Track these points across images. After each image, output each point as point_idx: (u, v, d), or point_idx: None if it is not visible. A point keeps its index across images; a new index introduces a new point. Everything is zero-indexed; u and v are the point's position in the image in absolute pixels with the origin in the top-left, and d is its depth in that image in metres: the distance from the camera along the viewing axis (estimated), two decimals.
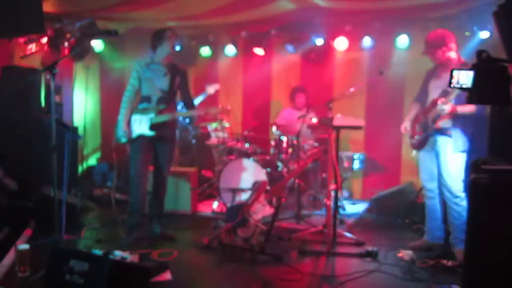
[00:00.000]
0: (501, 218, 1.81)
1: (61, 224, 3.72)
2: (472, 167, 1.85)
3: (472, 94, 1.67)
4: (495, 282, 1.87)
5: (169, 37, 4.32)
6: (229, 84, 7.68)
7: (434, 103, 3.87)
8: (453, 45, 3.92)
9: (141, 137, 4.25)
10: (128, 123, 4.29)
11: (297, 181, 5.40)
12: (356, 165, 6.17)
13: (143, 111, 4.31)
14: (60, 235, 3.61)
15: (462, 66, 3.81)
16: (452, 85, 1.63)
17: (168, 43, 4.32)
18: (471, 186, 1.85)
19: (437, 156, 3.99)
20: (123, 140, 4.26)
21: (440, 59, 3.93)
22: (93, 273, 2.80)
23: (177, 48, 4.41)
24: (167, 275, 3.42)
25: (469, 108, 3.71)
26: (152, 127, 4.24)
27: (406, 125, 4.24)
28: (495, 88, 1.52)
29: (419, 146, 4.13)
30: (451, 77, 1.67)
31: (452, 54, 3.93)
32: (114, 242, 4.19)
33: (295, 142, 5.52)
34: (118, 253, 3.62)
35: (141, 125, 4.27)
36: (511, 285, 1.83)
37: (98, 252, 3.77)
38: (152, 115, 4.27)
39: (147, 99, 4.34)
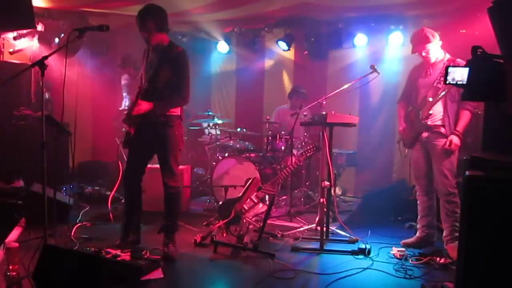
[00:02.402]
0: (496, 215, 1.80)
1: (52, 222, 3.67)
2: (467, 164, 1.84)
3: (467, 91, 1.66)
4: (489, 279, 1.86)
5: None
6: (222, 81, 7.66)
7: (425, 100, 3.88)
8: (438, 41, 3.94)
9: (129, 135, 3.70)
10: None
11: (290, 178, 5.39)
12: (349, 162, 6.17)
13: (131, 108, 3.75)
14: (50, 233, 3.57)
15: (450, 62, 3.83)
16: (447, 82, 1.62)
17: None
18: (465, 183, 1.83)
19: (429, 153, 3.99)
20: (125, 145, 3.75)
21: (429, 55, 3.93)
22: (84, 271, 2.76)
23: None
24: (158, 273, 3.38)
25: (466, 122, 3.79)
26: (132, 124, 3.67)
27: (403, 126, 4.22)
28: (490, 85, 1.51)
29: (412, 144, 4.13)
30: (446, 73, 1.65)
31: (439, 51, 3.95)
32: (106, 240, 4.15)
33: (288, 139, 5.50)
34: (109, 251, 3.59)
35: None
36: (505, 282, 1.83)
37: (89, 250, 3.74)
38: (129, 111, 3.72)
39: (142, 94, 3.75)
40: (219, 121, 5.99)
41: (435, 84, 3.83)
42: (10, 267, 3.21)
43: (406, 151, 4.30)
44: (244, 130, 6.15)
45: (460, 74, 1.58)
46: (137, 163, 3.92)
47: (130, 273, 3.03)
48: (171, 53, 3.74)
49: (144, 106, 3.64)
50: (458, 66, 1.63)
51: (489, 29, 2.00)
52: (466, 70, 1.52)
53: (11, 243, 3.31)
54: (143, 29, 3.68)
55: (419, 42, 3.95)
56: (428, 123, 3.90)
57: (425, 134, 3.98)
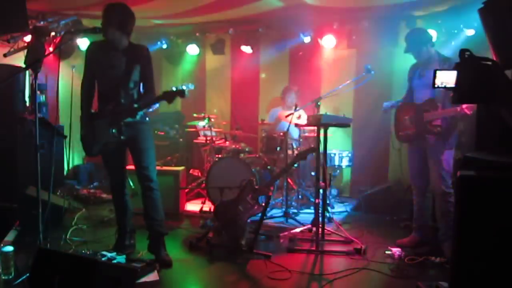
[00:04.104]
0: (488, 214, 1.81)
1: (46, 225, 3.66)
2: (460, 164, 1.86)
3: (456, 94, 1.67)
4: (483, 278, 1.87)
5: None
6: (217, 83, 7.66)
7: (432, 103, 3.85)
8: (434, 42, 3.97)
9: (106, 145, 3.67)
10: (93, 129, 3.69)
11: (285, 179, 5.39)
12: (344, 163, 6.18)
13: (101, 114, 3.66)
14: (45, 236, 3.56)
15: (444, 61, 3.84)
16: (435, 86, 1.63)
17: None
18: (458, 183, 1.85)
19: (425, 153, 4.00)
20: (93, 152, 3.73)
21: (424, 56, 3.96)
22: (79, 274, 2.75)
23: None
24: (154, 276, 3.38)
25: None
26: (114, 132, 3.60)
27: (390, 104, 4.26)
28: (479, 87, 1.51)
29: (407, 140, 4.13)
30: (434, 77, 1.66)
31: (433, 51, 3.98)
32: (101, 243, 4.14)
33: (283, 140, 5.50)
34: (105, 254, 3.58)
35: (103, 132, 3.64)
36: (499, 281, 1.84)
37: (84, 253, 3.73)
38: (109, 117, 3.61)
39: (105, 97, 3.68)
40: (214, 123, 5.99)
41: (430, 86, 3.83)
42: (5, 271, 3.21)
43: (399, 144, 4.29)
44: (240, 131, 6.15)
45: (448, 78, 1.59)
46: (121, 170, 3.91)
47: (125, 276, 3.02)
48: (137, 52, 3.66)
49: (130, 112, 3.59)
50: (446, 69, 1.64)
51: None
52: (454, 73, 1.53)
53: (6, 247, 3.30)
54: (108, 25, 3.52)
55: (410, 44, 3.99)
56: (435, 129, 3.87)
57: (425, 136, 3.96)
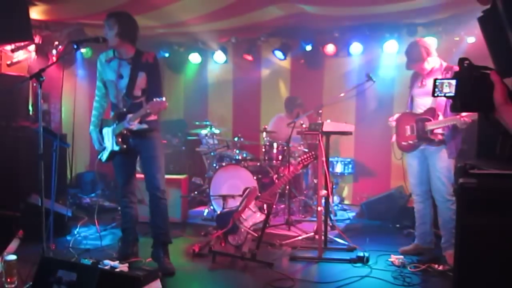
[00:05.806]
0: (489, 222, 1.82)
1: (49, 233, 3.67)
2: (460, 172, 1.86)
3: (455, 102, 1.68)
4: (485, 285, 1.87)
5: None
6: (218, 91, 7.70)
7: (433, 112, 3.85)
8: (435, 52, 3.94)
9: (113, 153, 3.74)
10: (102, 138, 3.82)
11: (287, 187, 5.39)
12: (347, 170, 6.18)
13: (108, 122, 3.76)
14: (48, 244, 3.56)
15: (447, 70, 3.83)
16: (435, 94, 1.64)
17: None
18: (459, 191, 1.85)
19: (426, 159, 4.00)
20: (103, 159, 3.83)
21: (427, 69, 3.94)
22: (81, 283, 2.76)
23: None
24: (157, 284, 3.38)
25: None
26: (119, 140, 3.65)
27: (395, 117, 4.23)
28: (478, 96, 1.53)
29: (409, 150, 4.13)
30: (434, 86, 1.68)
31: (435, 61, 3.93)
32: (104, 251, 4.14)
33: (285, 148, 5.51)
34: (108, 262, 3.57)
35: (109, 140, 3.75)
36: None
37: (87, 261, 3.73)
38: (113, 126, 3.69)
39: (115, 106, 3.74)
40: (217, 131, 6.01)
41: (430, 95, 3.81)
42: (8, 280, 3.21)
43: (401, 154, 4.28)
44: (241, 139, 6.16)
45: (447, 86, 1.60)
46: (130, 178, 3.91)
47: (128, 284, 3.03)
48: (143, 59, 3.63)
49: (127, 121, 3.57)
50: (446, 78, 1.65)
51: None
52: (454, 81, 1.54)
53: (9, 255, 3.31)
54: (110, 33, 3.55)
55: (412, 60, 3.95)
56: (437, 137, 3.85)
57: (427, 145, 3.96)
